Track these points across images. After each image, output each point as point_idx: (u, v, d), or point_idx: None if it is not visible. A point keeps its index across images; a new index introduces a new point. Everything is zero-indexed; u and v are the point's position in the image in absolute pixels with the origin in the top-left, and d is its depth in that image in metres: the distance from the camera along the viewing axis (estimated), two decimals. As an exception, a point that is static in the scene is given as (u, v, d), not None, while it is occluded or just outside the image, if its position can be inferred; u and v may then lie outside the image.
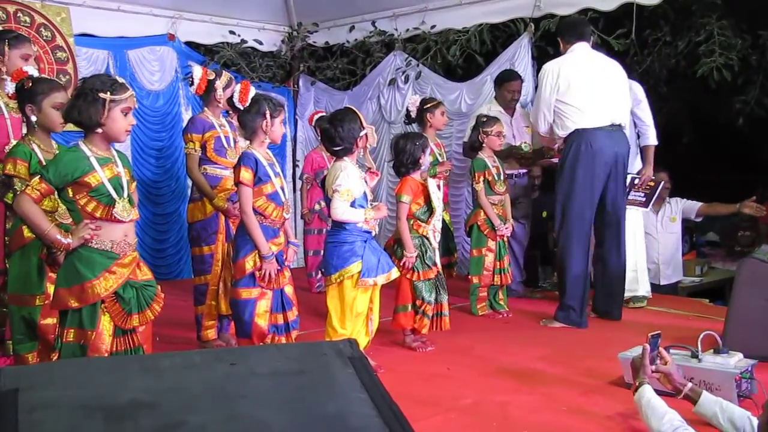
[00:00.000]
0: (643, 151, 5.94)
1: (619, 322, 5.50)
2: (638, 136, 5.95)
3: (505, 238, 5.83)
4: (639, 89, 5.89)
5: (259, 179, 3.97)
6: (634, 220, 6.03)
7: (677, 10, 7.42)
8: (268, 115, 3.98)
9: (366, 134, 4.21)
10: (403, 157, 4.75)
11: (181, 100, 7.72)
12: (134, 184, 3.48)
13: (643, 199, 6.03)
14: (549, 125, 5.41)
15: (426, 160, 4.79)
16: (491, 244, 5.74)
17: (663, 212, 6.82)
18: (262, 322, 4.00)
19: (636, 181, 5.90)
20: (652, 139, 5.88)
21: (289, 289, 4.11)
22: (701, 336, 3.79)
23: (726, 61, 6.84)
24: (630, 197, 5.88)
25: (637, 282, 6.00)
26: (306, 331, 4.74)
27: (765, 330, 4.21)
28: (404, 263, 4.65)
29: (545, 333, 5.26)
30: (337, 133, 4.14)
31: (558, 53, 5.62)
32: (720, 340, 3.88)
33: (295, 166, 8.81)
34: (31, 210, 3.22)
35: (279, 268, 4.01)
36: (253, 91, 4.26)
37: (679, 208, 6.90)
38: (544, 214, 7.12)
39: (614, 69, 5.47)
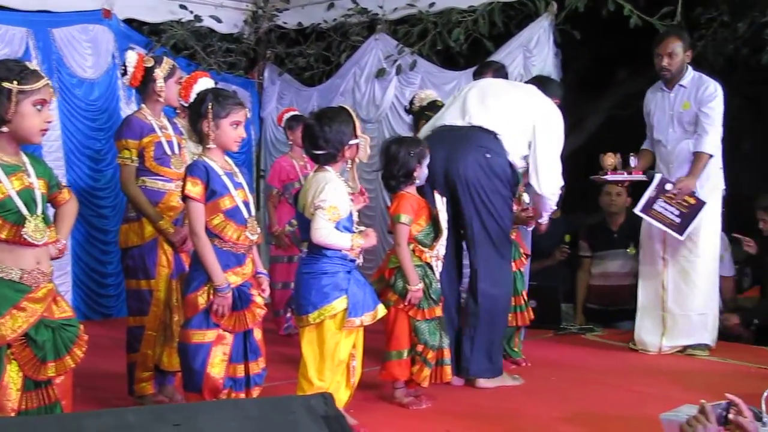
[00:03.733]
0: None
1: (654, 373, 5.51)
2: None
3: (522, 269, 5.85)
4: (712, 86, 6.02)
5: (212, 192, 3.96)
6: (711, 245, 6.07)
7: (736, -17, 7.48)
8: (210, 116, 3.98)
9: (357, 145, 4.23)
10: (394, 167, 4.76)
11: (120, 92, 7.73)
12: (64, 193, 3.47)
13: (677, 220, 5.95)
14: None
15: (423, 172, 4.80)
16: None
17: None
18: (216, 372, 3.97)
19: (668, 187, 5.91)
20: (701, 146, 5.92)
21: (257, 334, 4.10)
22: (766, 394, 3.79)
23: (798, 47, 6.91)
24: (657, 209, 5.93)
25: (706, 328, 6.06)
26: (271, 383, 4.70)
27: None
28: (409, 299, 4.64)
29: (568, 387, 5.27)
30: (322, 133, 4.16)
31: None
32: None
33: (259, 177, 8.82)
34: None
35: (243, 305, 3.99)
36: (204, 84, 4.27)
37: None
38: (568, 238, 7.20)
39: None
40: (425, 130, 5.49)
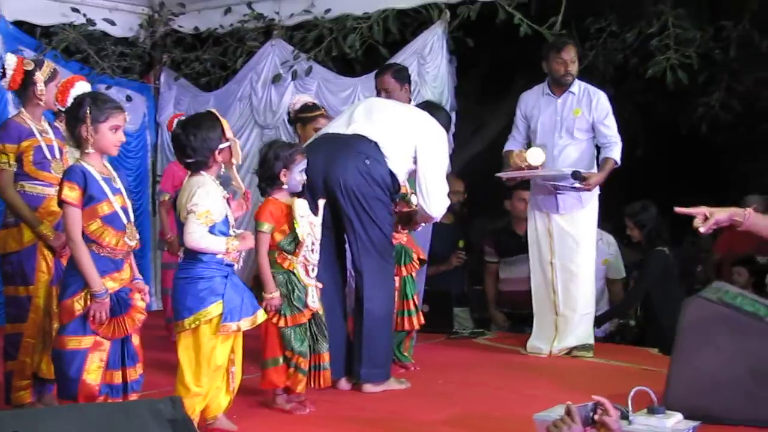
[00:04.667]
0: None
1: (543, 375, 5.63)
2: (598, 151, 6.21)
3: (413, 273, 5.91)
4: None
5: (90, 198, 3.93)
6: (591, 247, 6.28)
7: (625, -5, 7.70)
8: (88, 120, 3.96)
9: (229, 147, 4.22)
10: (262, 169, 4.76)
11: (9, 95, 7.58)
12: None
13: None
14: None
15: (294, 178, 4.78)
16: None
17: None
18: (92, 379, 3.93)
19: (582, 174, 6.02)
20: (611, 153, 6.13)
21: (135, 339, 4.08)
22: (632, 392, 3.91)
23: (682, 59, 7.11)
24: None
25: (589, 328, 6.25)
26: (156, 389, 4.70)
27: (711, 384, 4.34)
28: (264, 306, 4.61)
29: (454, 390, 5.34)
30: (188, 142, 4.14)
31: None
32: (655, 396, 4.00)
33: (156, 182, 8.76)
34: None
35: (122, 310, 3.97)
36: (81, 88, 4.23)
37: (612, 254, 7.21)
38: (461, 243, 7.30)
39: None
40: (310, 138, 5.55)
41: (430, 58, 7.27)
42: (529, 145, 6.35)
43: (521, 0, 6.95)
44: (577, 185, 6.04)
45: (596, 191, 6.20)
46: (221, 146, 4.19)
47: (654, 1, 7.42)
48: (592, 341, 6.26)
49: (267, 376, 4.77)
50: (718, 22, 7.64)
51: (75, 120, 3.99)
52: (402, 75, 6.10)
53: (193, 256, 4.15)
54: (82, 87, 4.31)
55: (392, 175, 5.23)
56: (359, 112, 5.39)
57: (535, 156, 6.02)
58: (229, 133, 4.24)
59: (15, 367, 4.72)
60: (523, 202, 7.24)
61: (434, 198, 5.33)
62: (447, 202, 5.43)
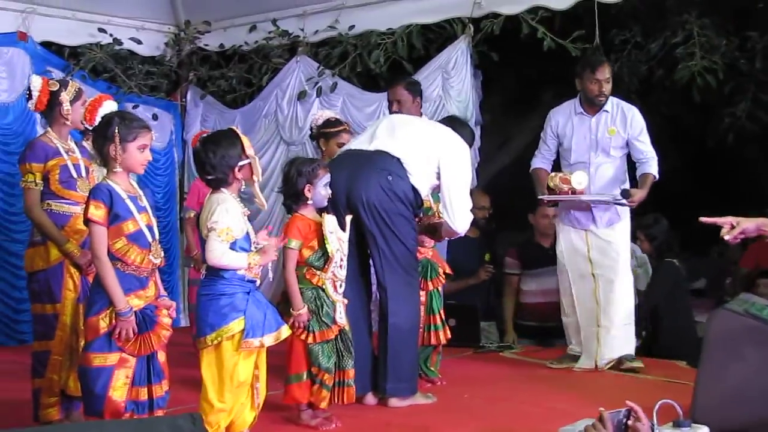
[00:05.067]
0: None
1: (569, 389, 5.60)
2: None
3: (439, 288, 5.91)
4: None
5: (116, 216, 3.96)
6: (627, 258, 6.23)
7: (649, 7, 7.67)
8: (117, 139, 4.00)
9: (249, 164, 4.24)
10: (286, 187, 4.79)
11: (37, 115, 7.68)
12: None
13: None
14: None
15: (318, 192, 4.81)
16: (420, 294, 5.80)
17: None
18: (118, 396, 3.94)
19: (625, 194, 5.99)
20: (650, 168, 6.11)
21: (161, 356, 4.10)
22: (657, 405, 3.88)
23: (709, 64, 7.08)
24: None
25: (630, 339, 6.20)
26: (182, 405, 4.72)
27: (739, 397, 4.30)
28: (292, 322, 4.64)
29: (480, 405, 5.33)
30: (208, 159, 4.16)
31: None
32: (681, 409, 3.98)
33: (183, 199, 8.82)
34: None
35: (148, 327, 4.00)
36: (109, 107, 4.27)
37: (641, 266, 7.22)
38: (488, 256, 7.27)
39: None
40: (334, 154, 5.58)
41: (454, 73, 7.30)
42: (557, 162, 6.33)
43: (545, 14, 6.94)
44: (623, 202, 6.01)
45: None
46: (241, 163, 4.20)
47: (679, 11, 7.39)
48: (633, 351, 6.20)
49: (290, 392, 4.79)
50: (744, 32, 7.59)
51: (102, 139, 4.02)
52: (414, 88, 6.17)
53: (215, 272, 4.16)
54: (109, 106, 4.37)
55: (415, 190, 5.23)
56: (382, 128, 5.41)
57: (579, 180, 5.96)
58: (249, 151, 4.24)
59: (43, 385, 4.76)
60: (546, 218, 7.26)
61: (458, 213, 5.34)
62: (471, 217, 5.44)
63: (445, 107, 7.37)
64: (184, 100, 8.94)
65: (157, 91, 8.71)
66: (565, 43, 7.05)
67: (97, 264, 3.97)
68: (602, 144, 6.13)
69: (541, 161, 6.38)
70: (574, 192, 5.99)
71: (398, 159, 5.20)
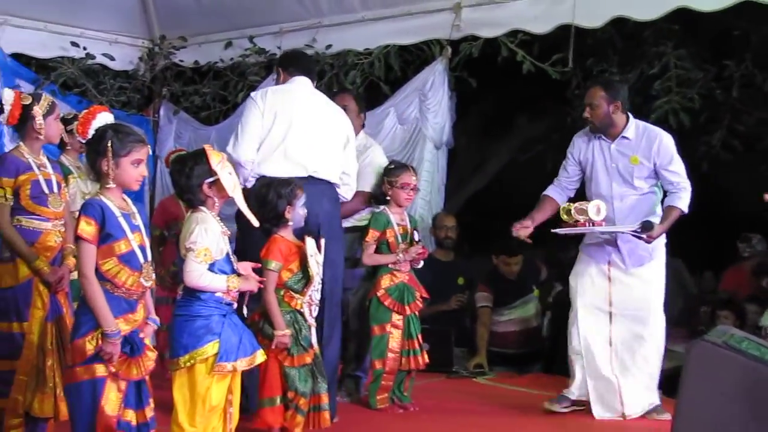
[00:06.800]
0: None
1: (539, 416, 5.56)
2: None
3: (417, 312, 5.87)
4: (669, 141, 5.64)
5: (108, 235, 3.84)
6: (659, 303, 5.69)
7: (626, 37, 7.68)
8: (110, 154, 3.91)
9: (217, 180, 4.13)
10: (264, 210, 4.74)
11: (5, 129, 7.59)
12: None
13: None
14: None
15: (297, 212, 4.78)
16: (396, 318, 5.76)
17: None
18: (110, 410, 3.81)
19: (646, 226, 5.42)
20: (678, 202, 5.54)
21: (147, 379, 4.01)
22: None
23: (684, 102, 7.12)
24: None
25: (655, 388, 5.69)
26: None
27: (717, 430, 4.30)
28: (275, 344, 4.62)
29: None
30: (178, 180, 4.16)
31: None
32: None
33: (152, 216, 8.75)
34: None
35: (137, 352, 3.87)
36: (103, 119, 4.14)
37: None
38: (461, 280, 7.25)
39: (334, 115, 5.55)
40: None
41: (431, 95, 7.32)
42: (578, 194, 5.93)
43: (524, 37, 6.95)
44: (641, 235, 5.45)
45: (663, 239, 5.65)
46: (208, 180, 4.11)
47: (656, 42, 7.42)
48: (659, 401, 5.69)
49: (262, 416, 4.73)
50: (721, 61, 7.64)
51: (95, 153, 3.90)
52: (361, 105, 6.23)
53: (192, 293, 4.10)
54: (104, 118, 4.18)
55: None
56: (303, 138, 5.37)
57: (596, 210, 5.46)
58: (216, 167, 4.12)
59: (7, 405, 4.66)
60: (508, 266, 7.42)
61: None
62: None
63: (421, 130, 7.39)
64: (156, 115, 8.87)
65: (129, 107, 8.65)
66: (545, 66, 7.05)
67: (84, 283, 3.82)
68: (624, 174, 5.63)
69: (553, 189, 5.93)
70: (592, 223, 5.50)
71: None
